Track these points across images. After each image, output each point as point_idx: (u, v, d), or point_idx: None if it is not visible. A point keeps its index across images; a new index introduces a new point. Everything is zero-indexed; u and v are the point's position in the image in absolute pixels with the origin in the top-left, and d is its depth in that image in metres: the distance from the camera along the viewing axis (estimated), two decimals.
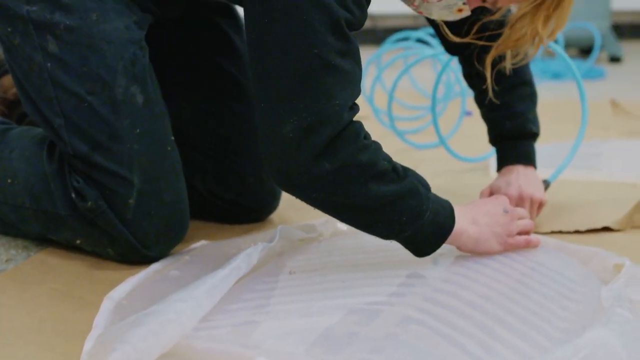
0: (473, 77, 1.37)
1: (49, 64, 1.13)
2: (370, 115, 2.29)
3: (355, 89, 0.98)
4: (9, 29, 1.15)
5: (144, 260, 1.16)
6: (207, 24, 1.36)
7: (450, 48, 1.36)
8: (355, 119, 0.99)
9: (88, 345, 0.88)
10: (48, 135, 1.18)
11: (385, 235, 1.02)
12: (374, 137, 1.01)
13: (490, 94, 1.27)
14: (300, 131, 0.94)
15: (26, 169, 1.18)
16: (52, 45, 1.13)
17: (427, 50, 2.17)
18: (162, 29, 1.28)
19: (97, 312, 0.97)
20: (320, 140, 0.94)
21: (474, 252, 1.08)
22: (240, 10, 1.41)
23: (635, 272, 1.04)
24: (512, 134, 1.35)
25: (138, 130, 1.14)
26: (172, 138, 1.19)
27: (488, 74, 1.22)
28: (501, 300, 0.94)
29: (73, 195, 1.14)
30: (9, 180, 1.19)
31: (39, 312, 1.01)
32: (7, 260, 1.19)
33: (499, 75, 1.30)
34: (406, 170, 1.02)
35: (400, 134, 1.97)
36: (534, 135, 1.36)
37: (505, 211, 1.11)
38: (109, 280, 1.10)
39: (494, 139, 1.38)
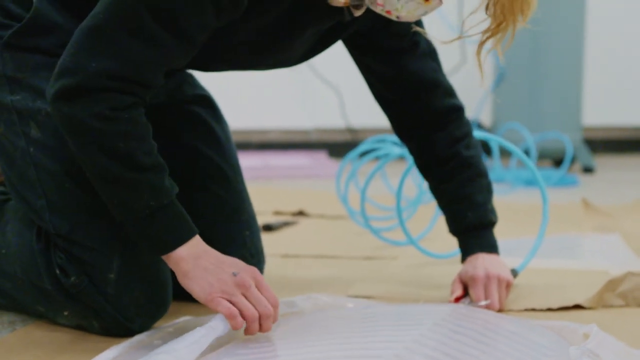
0: (427, 167, 1.44)
1: (31, 149, 1.20)
2: (345, 215, 2.37)
3: (127, 66, 1.07)
4: None
5: (128, 333, 1.18)
6: (188, 113, 1.44)
7: (401, 133, 1.44)
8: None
9: None
10: (31, 218, 1.22)
11: (111, 209, 1.11)
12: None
13: (485, 87, 1.29)
14: (60, 69, 1.08)
15: (17, 242, 1.22)
16: (34, 130, 1.20)
17: (396, 149, 2.24)
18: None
19: None
20: (63, 86, 1.07)
21: (181, 282, 1.11)
22: (218, 101, 1.50)
23: (603, 337, 1.08)
24: (474, 224, 1.40)
25: None
26: None
27: (480, 65, 1.23)
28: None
29: (57, 271, 1.18)
30: (3, 251, 1.24)
31: None
32: None
33: (458, 168, 1.40)
34: (153, 171, 1.10)
35: (376, 232, 2.02)
36: (494, 224, 1.43)
37: (234, 274, 1.08)
38: (93, 350, 1.12)
39: (456, 230, 1.43)
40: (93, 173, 1.10)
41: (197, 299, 1.08)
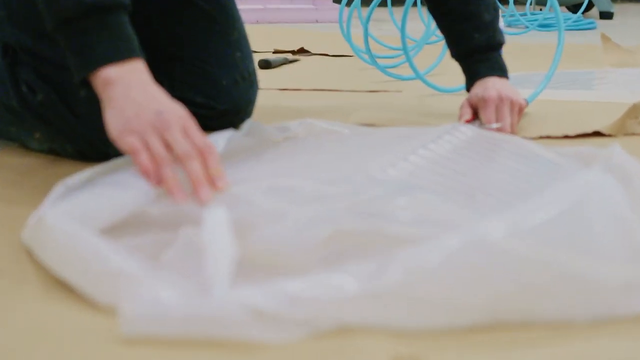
0: None
1: None
2: (349, 53, 2.24)
3: None
4: None
5: (104, 157, 1.08)
6: None
7: None
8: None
9: (33, 219, 0.81)
10: None
11: (43, 11, 0.89)
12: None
13: None
14: None
15: None
16: None
17: None
18: None
19: None
20: None
21: (103, 113, 0.86)
22: None
23: (626, 157, 0.97)
24: (482, 45, 1.28)
25: None
26: None
27: None
28: (483, 177, 0.87)
29: (24, 88, 1.07)
30: None
31: None
32: None
33: None
34: None
35: (382, 68, 1.90)
36: (502, 46, 1.30)
37: (158, 113, 0.82)
38: (65, 173, 1.02)
39: (461, 53, 1.30)
40: None
41: (109, 135, 0.84)
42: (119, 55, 0.85)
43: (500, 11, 1.37)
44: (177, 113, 0.83)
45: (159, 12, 1.27)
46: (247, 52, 1.33)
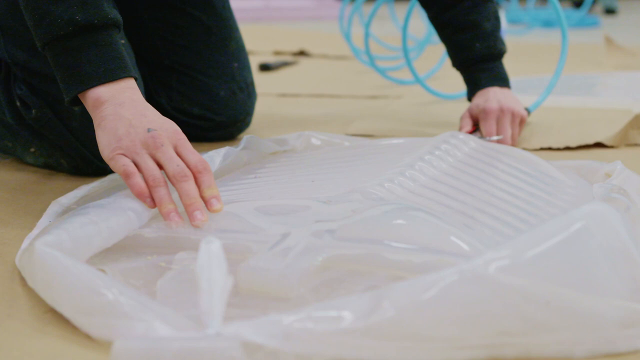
0: None
1: None
2: (349, 55, 2.22)
3: None
4: None
5: (99, 172, 1.08)
6: None
7: None
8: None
9: (26, 242, 0.80)
10: None
11: (32, 28, 0.87)
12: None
13: None
14: None
15: None
16: None
17: None
18: None
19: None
20: None
21: (96, 134, 0.84)
22: None
23: (628, 174, 0.96)
24: (484, 55, 1.26)
25: None
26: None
27: None
28: (483, 195, 0.86)
29: (18, 103, 1.06)
30: None
31: None
32: None
33: None
34: None
35: (381, 71, 1.88)
36: (504, 55, 1.29)
37: (148, 130, 0.80)
38: (59, 190, 1.02)
39: (462, 63, 1.29)
40: None
41: (102, 155, 0.82)
42: (111, 75, 0.84)
43: (502, 7, 1.35)
44: (168, 129, 0.82)
45: (157, 23, 1.26)
46: (244, 63, 1.32)
